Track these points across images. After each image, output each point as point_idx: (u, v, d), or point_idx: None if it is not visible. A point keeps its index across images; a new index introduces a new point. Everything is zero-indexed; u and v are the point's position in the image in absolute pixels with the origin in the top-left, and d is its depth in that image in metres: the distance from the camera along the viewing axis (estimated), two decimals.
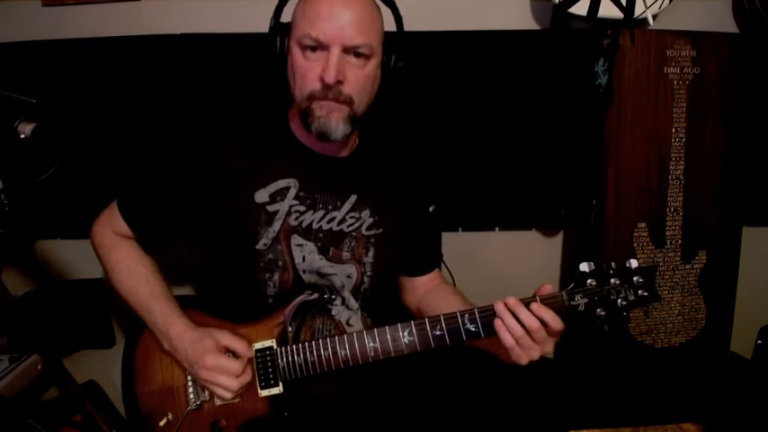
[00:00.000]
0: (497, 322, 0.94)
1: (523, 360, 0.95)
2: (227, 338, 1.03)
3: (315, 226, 1.11)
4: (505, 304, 0.95)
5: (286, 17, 1.09)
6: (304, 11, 1.02)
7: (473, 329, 0.97)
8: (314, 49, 1.00)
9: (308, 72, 1.01)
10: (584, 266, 0.96)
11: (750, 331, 1.76)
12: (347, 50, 1.00)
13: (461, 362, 1.12)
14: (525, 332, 0.93)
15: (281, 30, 1.06)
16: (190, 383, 1.08)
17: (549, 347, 0.96)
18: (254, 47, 1.55)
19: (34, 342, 1.13)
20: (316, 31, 0.98)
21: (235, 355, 1.03)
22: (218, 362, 0.99)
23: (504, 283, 1.84)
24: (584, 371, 1.80)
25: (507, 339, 0.93)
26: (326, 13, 0.99)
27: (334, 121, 1.03)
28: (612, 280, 0.95)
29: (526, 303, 0.94)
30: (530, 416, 1.16)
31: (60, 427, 1.37)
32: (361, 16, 1.00)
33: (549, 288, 0.97)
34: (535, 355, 0.95)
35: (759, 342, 1.72)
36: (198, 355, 1.00)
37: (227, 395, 1.01)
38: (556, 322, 0.93)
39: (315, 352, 1.03)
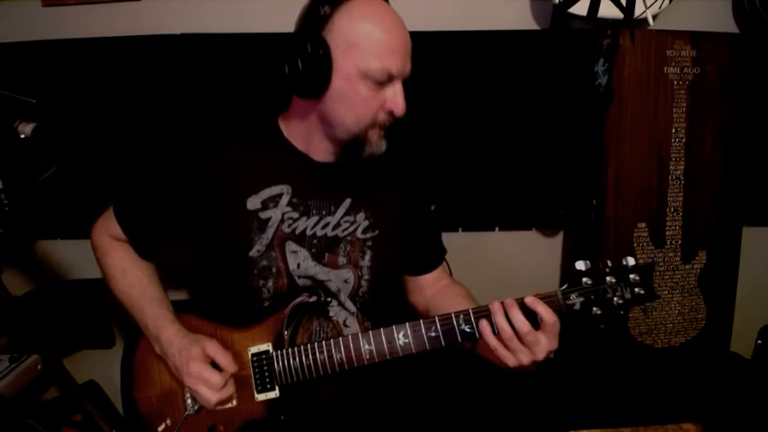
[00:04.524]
0: (482, 322, 0.94)
1: (511, 362, 0.94)
2: (213, 349, 1.01)
3: (308, 232, 1.10)
4: (501, 303, 0.94)
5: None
6: (371, 40, 0.97)
7: (468, 330, 0.96)
8: (383, 81, 1.00)
9: (372, 101, 1.00)
10: (579, 265, 0.94)
11: (750, 331, 1.76)
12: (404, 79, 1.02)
13: (460, 362, 1.11)
14: (514, 334, 0.92)
15: (324, 48, 0.98)
16: (187, 389, 1.08)
17: (540, 354, 0.93)
18: (254, 47, 1.56)
19: (34, 342, 1.13)
20: (391, 65, 0.98)
21: (220, 367, 1.01)
22: (201, 372, 0.98)
23: (505, 283, 1.84)
24: (584, 371, 1.80)
25: (491, 341, 0.94)
26: (397, 44, 0.99)
27: (383, 141, 1.06)
28: (608, 278, 0.94)
29: (520, 301, 0.94)
30: (530, 416, 1.16)
31: (60, 427, 1.37)
32: (410, 43, 1.02)
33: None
34: (524, 359, 0.93)
35: (759, 342, 1.72)
36: (183, 362, 1.00)
37: (207, 405, 1.01)
38: (548, 314, 0.91)
39: (311, 355, 1.02)
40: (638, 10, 1.52)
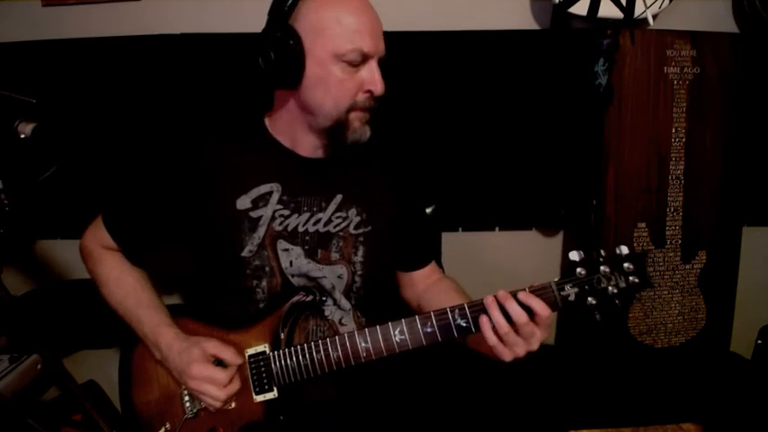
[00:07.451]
0: (482, 319, 0.93)
1: (507, 357, 0.94)
2: (214, 347, 1.01)
3: (300, 229, 1.10)
4: (495, 297, 0.93)
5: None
6: (339, 23, 0.98)
7: (464, 325, 0.95)
8: (357, 63, 1.00)
9: (348, 84, 1.00)
10: (573, 255, 0.94)
11: (750, 331, 1.76)
12: (379, 59, 1.02)
13: (460, 361, 1.11)
14: (511, 328, 0.91)
15: (293, 36, 0.99)
16: (185, 392, 1.07)
17: (534, 344, 0.93)
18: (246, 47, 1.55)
19: (34, 342, 1.13)
20: (363, 45, 0.98)
21: (223, 363, 1.01)
22: (204, 371, 0.98)
23: (505, 283, 1.82)
24: (585, 371, 1.80)
25: (490, 337, 0.92)
26: (366, 25, 0.99)
27: (367, 127, 1.05)
28: (602, 267, 0.93)
29: (514, 294, 0.93)
30: (530, 416, 1.16)
31: (60, 427, 1.37)
32: (381, 23, 1.03)
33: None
34: (520, 351, 0.93)
35: (759, 342, 1.72)
36: (185, 365, 0.99)
37: (216, 404, 1.00)
38: (543, 309, 0.90)
39: (307, 355, 1.02)
40: (638, 10, 1.52)
